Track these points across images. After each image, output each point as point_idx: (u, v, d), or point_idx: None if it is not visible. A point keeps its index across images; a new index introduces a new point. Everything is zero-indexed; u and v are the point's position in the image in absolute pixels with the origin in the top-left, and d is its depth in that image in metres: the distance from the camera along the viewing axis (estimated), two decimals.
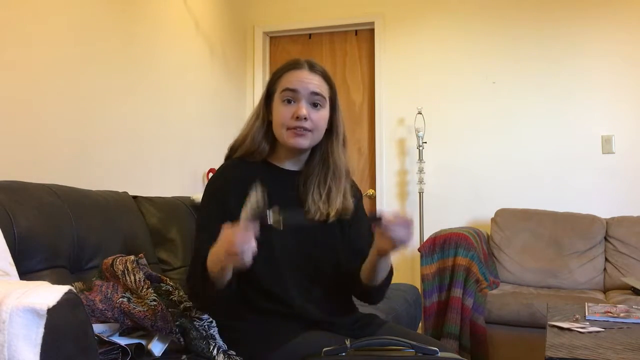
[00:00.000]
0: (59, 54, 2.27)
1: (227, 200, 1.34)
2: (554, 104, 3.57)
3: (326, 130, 1.44)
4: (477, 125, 3.70)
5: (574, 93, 3.53)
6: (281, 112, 1.38)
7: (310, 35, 4.12)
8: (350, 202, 1.45)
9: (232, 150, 1.47)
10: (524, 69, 3.62)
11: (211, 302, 1.35)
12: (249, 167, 1.41)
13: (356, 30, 4.03)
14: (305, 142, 1.38)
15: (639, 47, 3.44)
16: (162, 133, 2.99)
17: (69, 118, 2.32)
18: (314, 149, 1.46)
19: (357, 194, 1.54)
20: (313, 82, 1.38)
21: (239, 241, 1.08)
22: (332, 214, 1.41)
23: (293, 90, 1.37)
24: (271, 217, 1.14)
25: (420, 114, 3.63)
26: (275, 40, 4.20)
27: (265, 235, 1.32)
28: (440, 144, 3.73)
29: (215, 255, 1.19)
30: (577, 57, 3.53)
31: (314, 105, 1.38)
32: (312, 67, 1.41)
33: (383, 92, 3.88)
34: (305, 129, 1.36)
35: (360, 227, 1.50)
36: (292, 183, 1.44)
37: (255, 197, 1.14)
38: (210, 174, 3.37)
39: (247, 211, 1.12)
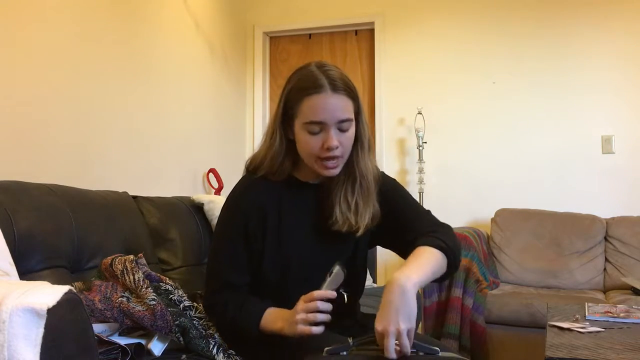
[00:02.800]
0: (58, 54, 2.26)
1: (248, 224, 1.34)
2: (554, 104, 3.57)
3: None
4: (477, 125, 3.70)
5: (574, 93, 3.53)
6: (309, 144, 1.28)
7: (310, 35, 4.12)
8: (378, 209, 1.39)
9: (253, 166, 1.41)
10: (524, 69, 3.62)
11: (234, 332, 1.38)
12: (272, 186, 1.37)
13: (356, 30, 4.03)
14: (337, 169, 1.32)
15: (639, 47, 3.44)
16: (162, 133, 2.99)
17: (69, 118, 2.32)
18: None
19: (388, 187, 1.44)
20: (339, 108, 1.26)
21: (312, 307, 1.18)
22: (362, 229, 1.35)
23: (319, 123, 1.26)
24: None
25: (420, 114, 3.63)
26: (275, 40, 4.20)
27: (281, 242, 1.33)
28: (440, 144, 3.73)
29: (279, 318, 1.26)
30: (577, 57, 3.53)
31: (341, 129, 1.28)
32: (335, 87, 1.26)
33: (383, 92, 3.88)
34: (337, 157, 1.30)
35: (400, 211, 1.42)
36: (315, 196, 1.40)
37: (335, 277, 1.21)
38: (211, 174, 3.39)
39: (327, 284, 1.21)
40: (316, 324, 1.18)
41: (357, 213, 1.35)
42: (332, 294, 1.19)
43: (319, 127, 1.27)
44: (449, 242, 1.30)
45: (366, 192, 1.36)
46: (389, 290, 1.10)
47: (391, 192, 1.44)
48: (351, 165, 1.35)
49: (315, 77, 1.27)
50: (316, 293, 1.18)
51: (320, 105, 1.25)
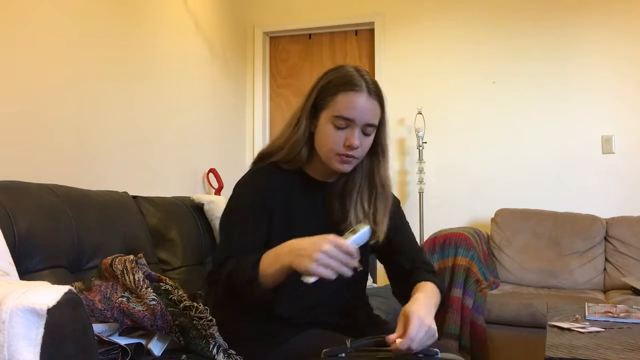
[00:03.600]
0: (58, 54, 2.26)
1: (261, 201, 1.33)
2: (554, 104, 3.57)
3: (370, 147, 1.37)
4: (477, 125, 3.70)
5: (574, 93, 3.54)
6: (332, 137, 1.31)
7: (310, 35, 4.12)
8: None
9: (265, 155, 1.41)
10: (524, 69, 3.62)
11: (230, 297, 1.26)
12: (284, 174, 1.38)
13: (356, 30, 4.03)
14: (350, 167, 1.35)
15: (638, 47, 3.44)
16: (162, 133, 2.99)
17: (69, 118, 2.32)
18: None
19: (395, 204, 1.48)
20: (370, 112, 1.30)
21: (337, 253, 1.07)
22: (382, 236, 1.36)
23: (349, 119, 1.29)
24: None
25: (420, 114, 3.63)
26: (275, 40, 4.20)
27: (288, 233, 1.31)
28: (440, 144, 3.73)
29: (282, 253, 1.15)
30: (577, 57, 3.53)
31: (365, 132, 1.32)
32: (371, 92, 1.31)
33: (383, 92, 3.87)
34: (353, 157, 1.32)
35: (404, 232, 1.48)
36: (324, 195, 1.41)
37: (361, 237, 1.14)
38: (211, 174, 3.39)
39: (350, 239, 1.12)
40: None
41: (375, 221, 1.36)
42: (355, 251, 1.11)
43: (345, 123, 1.30)
44: (442, 286, 1.39)
45: (385, 201, 1.38)
46: (414, 323, 1.12)
47: (397, 209, 1.48)
48: (370, 172, 1.38)
49: (354, 76, 1.31)
50: (344, 243, 1.10)
51: (355, 102, 1.29)
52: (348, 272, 1.10)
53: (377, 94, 1.32)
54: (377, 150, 1.38)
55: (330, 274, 1.08)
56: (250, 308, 1.30)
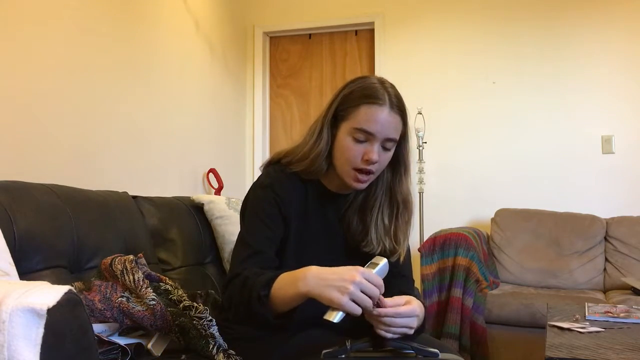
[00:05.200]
0: (58, 54, 2.26)
1: (280, 207, 1.30)
2: (554, 104, 3.57)
3: (390, 162, 1.33)
4: (477, 125, 3.70)
5: (574, 93, 3.54)
6: (350, 150, 1.27)
7: (310, 35, 4.12)
8: None
9: (288, 159, 1.36)
10: (524, 69, 3.62)
11: (250, 318, 1.19)
12: (304, 185, 1.35)
13: (356, 30, 4.03)
14: (364, 186, 1.31)
15: (638, 47, 3.44)
16: (162, 133, 2.99)
17: (69, 118, 2.32)
18: None
19: None
20: (392, 126, 1.26)
21: (371, 287, 1.01)
22: (403, 256, 1.33)
23: (369, 133, 1.25)
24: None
25: (420, 114, 3.63)
26: (275, 40, 4.20)
27: (302, 244, 1.31)
28: (440, 144, 3.73)
29: (301, 279, 1.07)
30: (577, 57, 3.53)
31: (385, 147, 1.28)
32: (393, 105, 1.27)
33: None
34: (370, 172, 1.28)
35: (406, 256, 1.42)
36: (338, 207, 1.38)
37: (381, 270, 1.08)
38: (211, 174, 3.38)
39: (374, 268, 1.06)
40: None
41: (396, 239, 1.33)
42: (381, 284, 1.05)
43: (365, 136, 1.26)
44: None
45: (406, 218, 1.35)
46: None
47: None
48: (392, 188, 1.35)
49: (378, 89, 1.28)
50: (375, 275, 1.04)
51: (377, 116, 1.25)
52: (372, 309, 1.04)
53: (399, 108, 1.29)
54: (399, 165, 1.34)
55: (359, 311, 1.01)
56: (257, 322, 1.22)
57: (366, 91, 1.28)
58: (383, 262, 1.11)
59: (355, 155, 1.27)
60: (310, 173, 1.34)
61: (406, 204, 1.35)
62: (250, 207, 1.35)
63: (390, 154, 1.31)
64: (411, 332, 1.13)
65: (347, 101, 1.30)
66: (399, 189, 1.34)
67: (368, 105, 1.26)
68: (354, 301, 1.00)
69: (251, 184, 1.42)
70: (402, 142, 1.33)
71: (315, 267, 1.09)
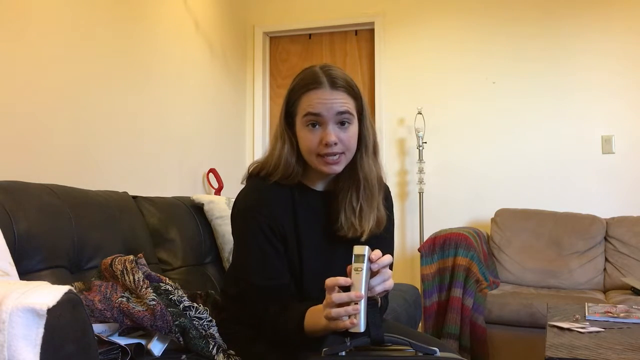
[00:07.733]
0: (58, 54, 2.26)
1: (270, 225, 1.29)
2: (554, 104, 3.57)
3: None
4: (477, 125, 3.70)
5: (574, 93, 3.54)
6: (308, 138, 1.28)
7: (310, 35, 4.12)
8: (383, 214, 1.37)
9: (265, 172, 1.35)
10: (524, 69, 3.62)
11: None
12: (285, 192, 1.33)
13: (356, 30, 4.03)
14: (340, 167, 1.30)
15: (638, 47, 3.44)
16: (162, 133, 2.99)
17: (69, 118, 2.32)
18: None
19: (388, 206, 1.43)
20: (336, 102, 1.26)
21: (340, 298, 1.05)
22: (366, 233, 1.32)
23: (316, 114, 1.26)
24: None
25: (420, 114, 3.63)
26: (275, 40, 4.20)
27: (298, 249, 1.31)
28: (440, 144, 3.73)
29: (319, 314, 1.13)
30: (577, 57, 3.53)
31: (342, 124, 1.27)
32: (334, 84, 1.27)
33: (383, 92, 3.88)
34: (337, 154, 1.28)
35: (385, 247, 1.36)
36: (323, 204, 1.38)
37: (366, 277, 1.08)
38: (211, 174, 3.38)
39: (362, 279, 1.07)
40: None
41: (362, 217, 1.33)
42: (346, 280, 1.07)
43: (314, 119, 1.26)
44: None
45: (369, 195, 1.34)
46: None
47: (388, 202, 1.44)
48: (354, 169, 1.33)
49: (316, 74, 1.29)
50: (328, 281, 1.08)
51: (318, 98, 1.26)
52: (358, 306, 1.06)
53: (343, 85, 1.28)
54: (361, 144, 1.33)
55: (349, 319, 1.05)
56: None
57: (304, 80, 1.29)
58: (365, 250, 1.10)
59: (314, 142, 1.27)
60: (289, 178, 1.33)
61: (369, 181, 1.33)
62: (250, 239, 1.32)
63: (353, 129, 1.29)
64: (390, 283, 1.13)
65: (292, 96, 1.31)
66: (360, 168, 1.33)
67: (307, 93, 1.27)
68: (343, 315, 1.05)
69: None
70: (360, 119, 1.32)
71: (316, 309, 1.17)
